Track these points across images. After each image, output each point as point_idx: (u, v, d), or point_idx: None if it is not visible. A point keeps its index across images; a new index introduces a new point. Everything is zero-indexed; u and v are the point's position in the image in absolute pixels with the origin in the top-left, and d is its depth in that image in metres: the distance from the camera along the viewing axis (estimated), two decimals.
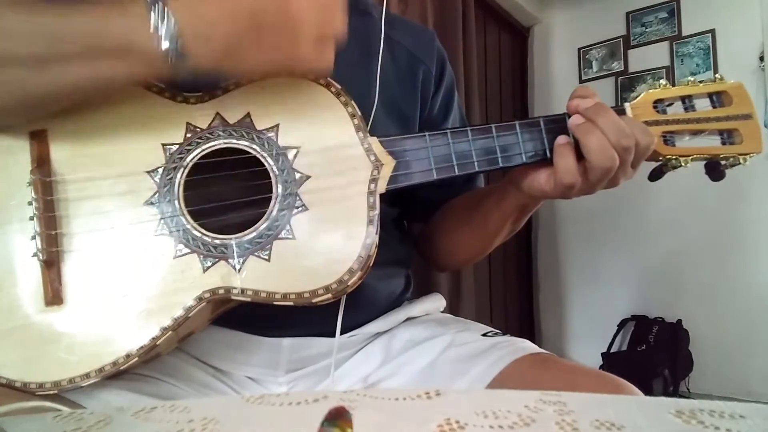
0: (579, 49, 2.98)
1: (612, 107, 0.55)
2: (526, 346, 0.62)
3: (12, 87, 0.44)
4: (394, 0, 1.92)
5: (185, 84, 0.50)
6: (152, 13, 0.41)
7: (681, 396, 2.33)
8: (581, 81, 2.96)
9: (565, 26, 3.05)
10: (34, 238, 0.48)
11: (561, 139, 0.54)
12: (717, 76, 0.57)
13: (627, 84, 2.79)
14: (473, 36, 2.43)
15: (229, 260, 0.50)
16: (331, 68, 0.48)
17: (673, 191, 2.48)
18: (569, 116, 0.55)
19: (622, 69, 2.82)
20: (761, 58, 2.36)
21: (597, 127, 0.52)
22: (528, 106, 3.11)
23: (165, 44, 0.42)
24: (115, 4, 0.43)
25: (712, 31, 2.54)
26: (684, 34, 2.63)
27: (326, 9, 0.46)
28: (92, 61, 0.43)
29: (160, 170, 0.51)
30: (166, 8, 0.41)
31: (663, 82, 0.58)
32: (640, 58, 2.76)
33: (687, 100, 0.57)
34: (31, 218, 0.48)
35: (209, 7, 0.43)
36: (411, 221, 0.78)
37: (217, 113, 0.52)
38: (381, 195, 0.52)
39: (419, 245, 0.78)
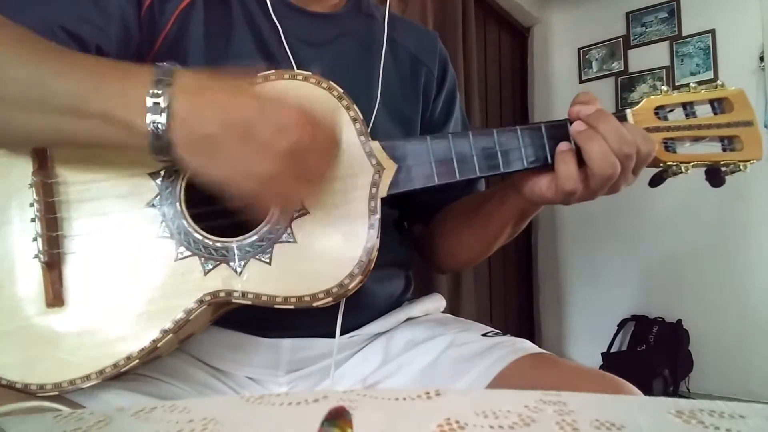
0: (579, 49, 2.98)
1: (613, 113, 0.55)
2: (526, 346, 0.62)
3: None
4: (394, 0, 1.92)
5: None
6: (151, 90, 0.41)
7: (681, 396, 2.33)
8: (581, 81, 2.96)
9: (565, 26, 3.05)
10: (35, 239, 0.48)
11: (563, 146, 0.54)
12: (718, 82, 0.58)
13: (627, 84, 2.79)
14: (473, 36, 2.43)
15: (230, 263, 0.50)
16: (294, 207, 0.48)
17: (672, 192, 2.48)
18: (570, 122, 0.55)
19: (622, 69, 2.82)
20: (761, 58, 2.37)
21: (598, 133, 0.52)
22: (528, 106, 3.11)
23: (151, 124, 0.41)
24: (121, 69, 0.44)
25: (712, 31, 2.54)
26: (684, 34, 2.63)
27: (322, 152, 0.45)
28: (73, 118, 0.43)
29: (162, 172, 0.51)
30: (166, 94, 0.41)
31: (665, 88, 0.58)
32: (640, 58, 2.76)
33: (688, 107, 0.58)
34: (33, 220, 0.48)
35: (207, 105, 0.42)
36: (411, 223, 0.78)
37: None
38: (382, 199, 0.52)
39: (420, 247, 0.79)
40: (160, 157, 0.43)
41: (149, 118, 0.41)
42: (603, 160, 0.51)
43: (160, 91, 0.41)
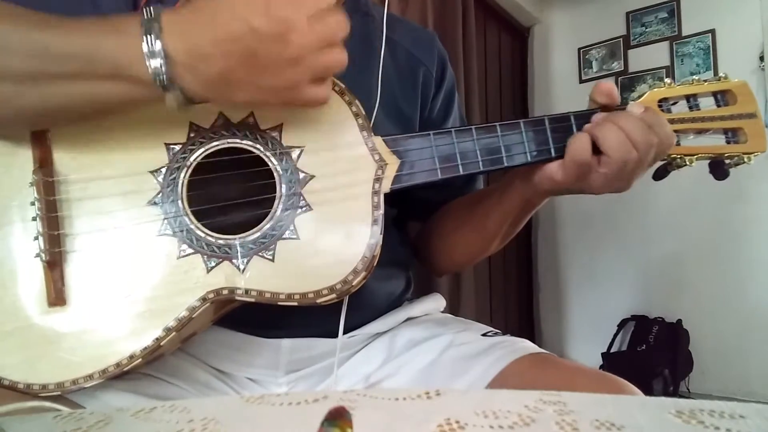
0: (579, 49, 2.98)
1: (617, 106, 0.55)
2: (526, 346, 0.62)
3: (6, 101, 0.44)
4: (394, 0, 1.92)
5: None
6: (144, 40, 0.40)
7: (681, 396, 2.33)
8: (581, 81, 2.96)
9: (565, 26, 3.05)
10: (36, 238, 0.48)
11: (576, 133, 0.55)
12: (721, 74, 0.57)
13: (627, 84, 2.79)
14: (473, 36, 2.43)
15: (233, 260, 0.50)
16: (325, 103, 0.47)
17: (673, 191, 2.48)
18: (574, 115, 0.55)
19: (622, 69, 2.82)
20: (761, 58, 2.37)
21: (616, 124, 0.52)
22: (528, 106, 3.11)
23: (155, 72, 0.41)
24: (110, 27, 0.43)
25: (712, 31, 2.54)
26: (684, 34, 2.63)
27: (327, 44, 0.43)
28: (83, 82, 0.43)
29: (164, 170, 0.51)
30: (159, 38, 0.40)
31: (668, 80, 0.58)
32: (640, 58, 2.76)
33: (692, 99, 0.57)
34: (34, 219, 0.48)
35: (204, 38, 0.41)
36: (409, 221, 0.78)
37: (221, 112, 0.52)
38: (385, 195, 0.52)
39: (417, 248, 0.78)
40: (185, 105, 0.43)
41: (150, 69, 0.40)
42: (619, 145, 0.51)
43: (152, 39, 0.40)
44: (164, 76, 0.41)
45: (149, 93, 0.42)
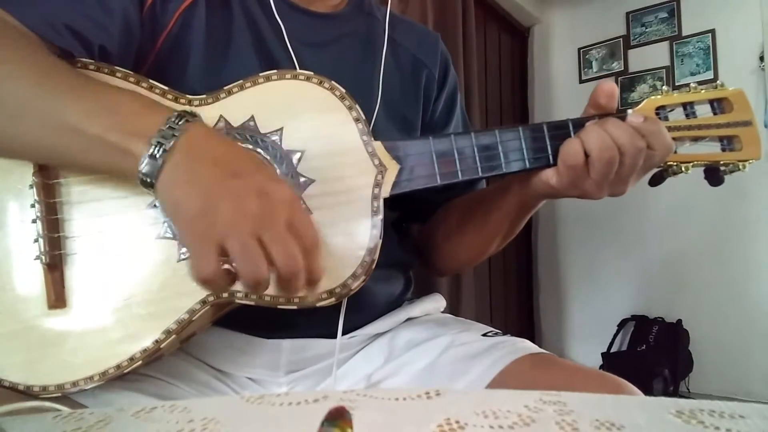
0: (579, 49, 2.98)
1: (614, 113, 0.55)
2: (526, 346, 0.62)
3: None
4: (395, 0, 1.92)
5: None
6: (157, 136, 0.41)
7: (681, 396, 2.33)
8: (581, 81, 2.96)
9: (565, 26, 3.05)
10: (36, 240, 0.48)
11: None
12: (718, 82, 0.58)
13: (627, 84, 2.79)
14: (473, 36, 2.43)
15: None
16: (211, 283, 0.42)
17: (672, 191, 2.47)
18: (572, 122, 0.55)
19: (622, 69, 2.82)
20: (761, 58, 2.37)
21: (601, 127, 0.53)
22: (528, 106, 3.11)
23: (143, 164, 0.41)
24: (137, 101, 0.44)
25: (712, 31, 2.54)
26: (684, 34, 2.63)
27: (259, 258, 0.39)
28: (73, 137, 0.43)
29: None
30: (169, 144, 0.41)
31: (666, 88, 0.59)
32: (640, 58, 2.76)
33: (688, 107, 0.58)
34: (34, 221, 0.48)
35: (194, 180, 0.41)
36: (409, 222, 0.78)
37: (221, 116, 0.52)
38: (384, 199, 0.52)
39: (419, 248, 0.78)
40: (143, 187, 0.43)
41: (143, 164, 0.41)
42: (601, 147, 0.52)
43: (163, 142, 0.41)
44: (150, 179, 0.41)
45: (125, 168, 0.42)
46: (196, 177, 0.40)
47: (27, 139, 0.45)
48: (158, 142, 0.41)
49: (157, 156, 0.40)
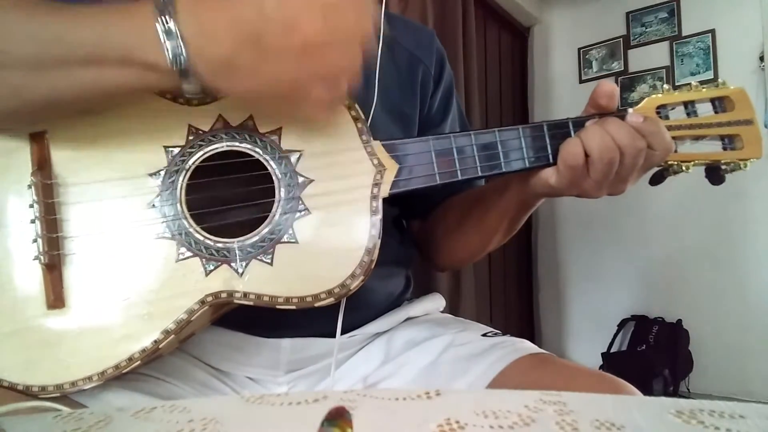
0: (579, 49, 2.98)
1: (614, 113, 0.55)
2: (526, 346, 0.62)
3: (10, 90, 0.43)
4: (394, 0, 1.92)
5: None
6: (158, 23, 0.39)
7: (681, 396, 2.33)
8: (581, 81, 2.96)
9: (565, 26, 3.05)
10: (35, 241, 0.48)
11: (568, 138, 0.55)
12: (719, 81, 0.58)
13: (627, 84, 2.79)
14: (473, 36, 2.43)
15: (232, 264, 0.49)
16: (328, 113, 0.44)
17: (672, 191, 2.48)
18: (572, 121, 0.55)
19: (622, 69, 2.82)
20: (761, 58, 2.37)
21: (602, 128, 0.53)
22: (528, 106, 3.11)
23: (169, 57, 0.40)
24: (122, 11, 0.42)
25: (712, 31, 2.54)
26: (684, 34, 2.63)
27: (338, 40, 0.41)
28: (94, 68, 0.42)
29: (162, 173, 0.50)
30: (173, 20, 0.39)
31: (666, 87, 0.58)
32: (640, 58, 2.76)
33: (689, 106, 0.58)
34: (32, 221, 0.48)
35: (217, 21, 0.40)
36: (410, 218, 0.78)
37: (220, 115, 0.52)
38: (383, 199, 0.52)
39: (419, 244, 0.78)
40: (191, 89, 0.42)
41: (167, 53, 0.40)
42: (602, 147, 0.52)
43: (167, 20, 0.39)
44: (183, 58, 0.40)
45: (161, 79, 0.41)
46: (226, 20, 0.40)
47: (57, 78, 0.43)
48: (160, 17, 0.39)
49: (168, 22, 0.39)
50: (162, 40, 0.40)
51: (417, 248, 0.79)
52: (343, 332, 0.62)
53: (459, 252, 0.74)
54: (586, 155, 0.53)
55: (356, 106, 0.53)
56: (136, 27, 0.41)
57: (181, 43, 0.40)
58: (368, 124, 0.53)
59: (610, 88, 0.56)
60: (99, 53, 0.41)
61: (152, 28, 0.40)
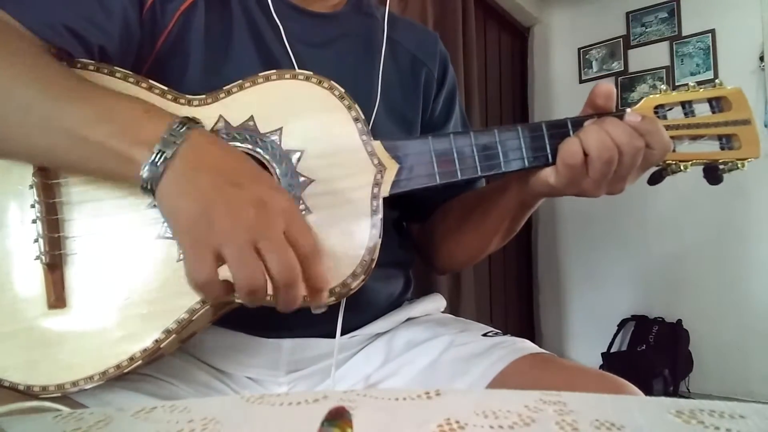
0: (579, 49, 2.98)
1: (612, 113, 0.55)
2: (526, 346, 0.62)
3: None
4: (394, 0, 1.92)
5: None
6: (154, 153, 0.41)
7: (681, 396, 2.33)
8: (581, 81, 2.96)
9: (565, 26, 3.05)
10: (36, 240, 0.48)
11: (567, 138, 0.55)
12: (717, 81, 0.58)
13: (627, 84, 2.79)
14: (473, 36, 2.43)
15: None
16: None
17: (672, 191, 2.48)
18: (571, 121, 0.55)
19: (622, 69, 2.82)
20: (761, 58, 2.37)
21: (600, 126, 0.53)
22: (528, 106, 3.11)
23: (142, 177, 0.41)
24: (137, 107, 0.44)
25: (712, 31, 2.54)
26: (684, 34, 2.63)
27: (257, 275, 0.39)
28: (73, 143, 0.43)
29: None
30: (164, 164, 0.41)
31: (664, 87, 0.59)
32: (640, 58, 2.76)
33: (687, 106, 0.58)
34: (34, 221, 0.48)
35: (192, 188, 0.41)
36: (410, 221, 0.78)
37: (220, 116, 0.52)
38: (384, 199, 0.52)
39: (419, 247, 0.79)
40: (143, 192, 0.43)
41: (142, 173, 0.41)
42: (600, 146, 0.52)
43: (164, 150, 0.41)
44: (151, 186, 0.41)
45: (126, 174, 0.43)
46: (195, 184, 0.41)
47: (29, 143, 0.45)
48: (159, 150, 0.41)
49: (158, 163, 0.41)
50: (144, 164, 0.41)
51: (417, 251, 0.79)
52: (343, 333, 0.62)
53: (459, 254, 0.74)
54: (585, 154, 0.53)
55: (356, 106, 0.53)
56: (128, 140, 0.42)
57: (157, 181, 0.41)
58: (370, 126, 0.53)
59: (608, 88, 0.56)
60: (81, 137, 0.43)
61: (146, 150, 0.41)
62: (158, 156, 0.41)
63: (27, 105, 0.43)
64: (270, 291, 0.40)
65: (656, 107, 0.58)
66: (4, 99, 0.44)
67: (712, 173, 0.58)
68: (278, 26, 0.62)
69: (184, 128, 0.42)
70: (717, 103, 0.58)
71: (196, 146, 0.42)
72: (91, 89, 0.46)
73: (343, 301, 0.54)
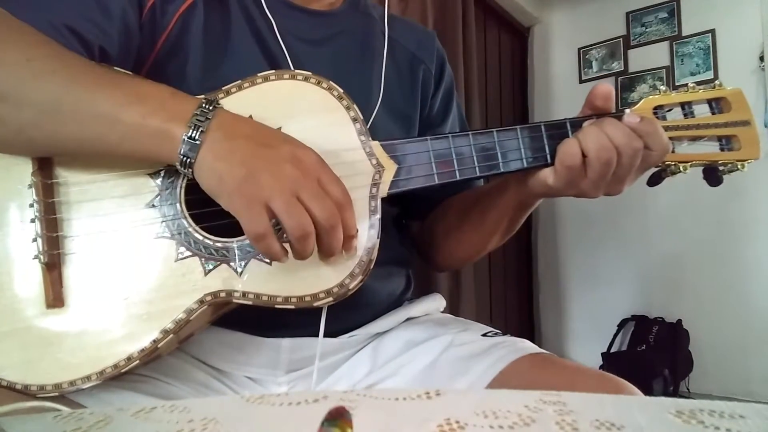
0: (579, 49, 2.98)
1: (612, 113, 0.55)
2: (526, 346, 0.62)
3: (17, 126, 0.46)
4: (394, 0, 1.92)
5: None
6: (189, 129, 0.44)
7: (681, 396, 2.33)
8: (581, 81, 2.96)
9: (565, 26, 3.05)
10: (35, 240, 0.48)
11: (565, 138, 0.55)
12: (716, 82, 0.58)
13: (627, 84, 2.79)
14: (473, 36, 2.43)
15: (231, 263, 0.49)
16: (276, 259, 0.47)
17: (672, 191, 2.48)
18: (570, 122, 0.55)
19: (622, 69, 2.82)
20: (761, 58, 2.37)
21: (599, 128, 0.53)
22: (528, 106, 3.11)
23: (179, 157, 0.45)
24: (160, 96, 0.47)
25: (712, 31, 2.54)
26: (684, 34, 2.63)
27: (302, 230, 0.44)
28: (105, 128, 0.45)
29: (162, 173, 0.51)
30: (201, 135, 0.44)
31: (663, 88, 0.59)
32: (640, 58, 2.76)
33: (686, 107, 0.58)
34: (33, 221, 0.48)
35: (228, 155, 0.45)
36: (409, 219, 0.78)
37: None
38: (382, 198, 0.52)
39: (418, 244, 0.79)
40: (182, 170, 0.46)
41: (182, 146, 0.44)
42: (599, 148, 0.52)
43: (199, 123, 0.45)
44: (189, 163, 0.45)
45: (164, 155, 0.46)
46: (233, 151, 0.45)
47: (65, 132, 0.46)
48: (195, 124, 0.44)
49: (196, 137, 0.44)
50: (182, 137, 0.44)
51: (416, 249, 0.79)
52: (343, 332, 0.63)
53: (458, 252, 0.74)
54: (584, 155, 0.53)
55: (355, 106, 0.53)
56: (163, 117, 0.45)
57: (195, 153, 0.44)
58: (369, 125, 0.53)
59: (607, 89, 0.56)
60: (116, 119, 0.45)
61: (182, 125, 0.45)
62: (194, 130, 0.44)
63: (57, 98, 0.45)
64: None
65: (656, 108, 0.58)
66: (34, 93, 0.45)
67: (712, 174, 0.58)
68: (272, 24, 0.62)
69: (212, 106, 0.46)
70: (717, 104, 0.58)
71: (225, 119, 0.46)
72: (116, 75, 0.49)
73: (325, 308, 0.54)
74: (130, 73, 0.52)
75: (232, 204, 0.44)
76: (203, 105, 0.46)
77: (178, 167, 0.45)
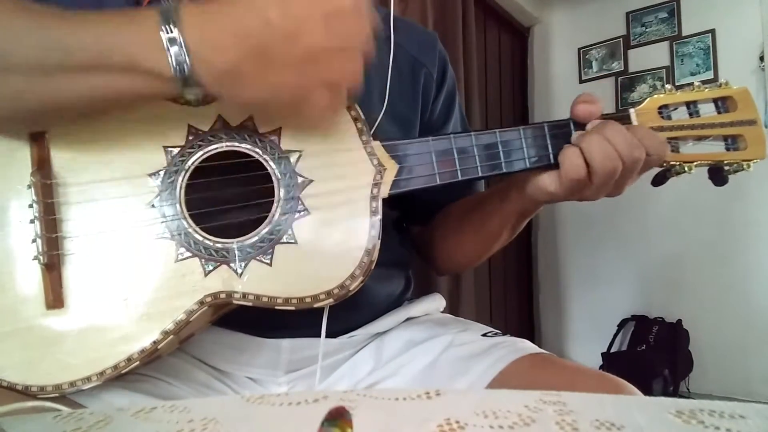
0: (579, 49, 2.98)
1: (615, 113, 0.55)
2: (526, 346, 0.62)
3: (12, 94, 0.43)
4: (395, 0, 1.91)
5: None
6: (162, 32, 0.40)
7: (681, 396, 2.33)
8: (581, 81, 2.96)
9: (565, 26, 3.05)
10: (34, 241, 0.48)
11: (567, 146, 0.54)
12: (722, 81, 0.57)
13: (627, 84, 2.79)
14: (473, 36, 2.43)
15: (231, 264, 0.49)
16: (332, 115, 0.46)
17: (673, 191, 2.46)
18: (573, 121, 0.55)
19: (622, 69, 2.82)
20: (761, 58, 2.37)
21: (601, 135, 0.52)
22: (528, 106, 3.11)
23: (172, 65, 0.40)
24: (126, 18, 0.42)
25: (712, 31, 2.54)
26: (684, 34, 2.63)
27: (341, 48, 0.42)
28: (97, 74, 0.42)
29: (162, 173, 0.50)
30: (177, 29, 0.40)
31: (668, 87, 0.58)
32: (640, 58, 2.76)
33: (692, 106, 0.57)
34: (32, 221, 0.48)
35: (219, 29, 0.41)
36: (410, 223, 0.78)
37: (219, 116, 0.51)
38: (383, 199, 0.52)
39: (419, 248, 0.79)
40: (193, 97, 0.43)
41: (171, 60, 0.40)
42: (604, 158, 0.51)
43: (171, 28, 0.40)
44: (187, 66, 0.40)
45: (163, 86, 0.42)
46: (218, 28, 0.41)
47: (57, 99, 0.43)
48: (164, 26, 0.40)
49: (172, 30, 0.39)
50: (165, 47, 0.40)
51: (417, 252, 0.79)
52: (343, 332, 0.62)
53: (458, 257, 0.74)
54: (587, 163, 0.53)
55: (356, 106, 0.53)
56: (139, 34, 0.41)
57: (185, 51, 0.40)
58: (373, 127, 0.53)
59: (586, 108, 0.55)
60: (102, 60, 0.41)
61: (156, 36, 0.40)
62: (169, 32, 0.40)
63: (42, 47, 0.42)
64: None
65: (660, 107, 0.57)
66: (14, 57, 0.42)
67: (717, 174, 0.58)
68: None
69: (172, 9, 0.41)
70: (722, 103, 0.57)
71: (190, 6, 0.41)
72: (88, 17, 0.43)
73: (327, 309, 0.54)
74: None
75: (269, 84, 0.41)
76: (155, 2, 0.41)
77: (182, 86, 0.41)
